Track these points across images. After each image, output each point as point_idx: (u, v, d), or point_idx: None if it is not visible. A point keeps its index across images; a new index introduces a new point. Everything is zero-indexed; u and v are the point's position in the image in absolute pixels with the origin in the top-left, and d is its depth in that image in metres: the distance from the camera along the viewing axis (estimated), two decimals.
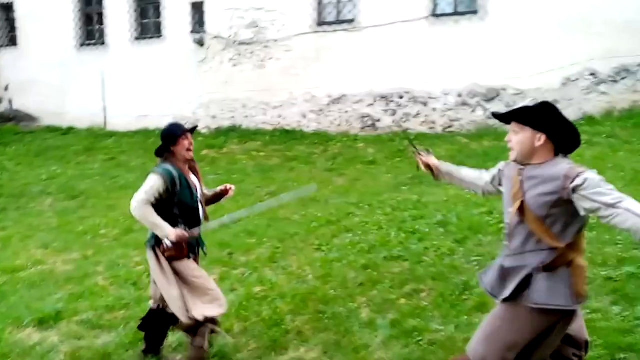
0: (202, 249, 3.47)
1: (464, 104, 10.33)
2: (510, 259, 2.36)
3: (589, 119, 9.58)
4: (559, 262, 2.24)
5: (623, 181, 6.62)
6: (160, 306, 3.34)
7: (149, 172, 3.26)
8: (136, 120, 12.78)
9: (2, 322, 4.12)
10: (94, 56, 13.15)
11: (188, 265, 3.26)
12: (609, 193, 2.15)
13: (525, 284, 2.27)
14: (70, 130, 13.24)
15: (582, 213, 2.21)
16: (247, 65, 11.82)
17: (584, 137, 8.65)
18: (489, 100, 10.16)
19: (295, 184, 8.57)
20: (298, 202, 7.41)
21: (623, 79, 9.67)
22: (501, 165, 2.58)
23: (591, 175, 2.20)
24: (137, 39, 12.77)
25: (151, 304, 3.45)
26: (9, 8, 13.94)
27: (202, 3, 11.98)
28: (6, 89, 14.18)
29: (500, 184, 2.56)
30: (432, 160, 2.93)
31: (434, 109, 10.55)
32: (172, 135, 3.28)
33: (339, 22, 11.05)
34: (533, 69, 9.65)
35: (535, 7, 9.55)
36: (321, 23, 11.16)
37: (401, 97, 10.76)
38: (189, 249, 3.27)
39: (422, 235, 5.25)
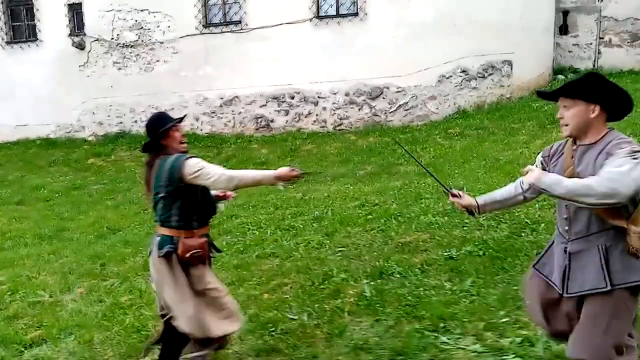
0: (215, 248, 3.18)
1: (352, 102, 10.73)
2: (574, 244, 2.30)
3: (462, 113, 10.37)
4: (634, 238, 2.18)
5: (484, 168, 7.28)
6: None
7: (172, 160, 2.81)
8: (15, 131, 11.95)
9: None
10: None
11: (204, 272, 2.94)
12: (610, 164, 2.12)
13: (605, 265, 2.22)
14: None
15: None
16: (133, 68, 11.45)
17: (456, 130, 9.36)
18: (374, 98, 10.64)
19: None
20: None
21: (490, 75, 10.56)
22: (544, 152, 2.49)
23: (628, 148, 2.14)
24: (9, 43, 11.89)
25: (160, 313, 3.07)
26: None
27: (80, 4, 11.41)
28: None
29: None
30: (469, 201, 2.68)
31: (324, 108, 10.85)
32: (161, 127, 2.87)
33: (226, 23, 11.02)
34: (411, 68, 10.24)
35: (409, 9, 10.13)
36: (208, 24, 11.07)
37: (292, 97, 10.96)
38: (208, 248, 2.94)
39: (297, 232, 5.43)
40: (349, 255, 4.71)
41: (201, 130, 11.31)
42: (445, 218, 5.36)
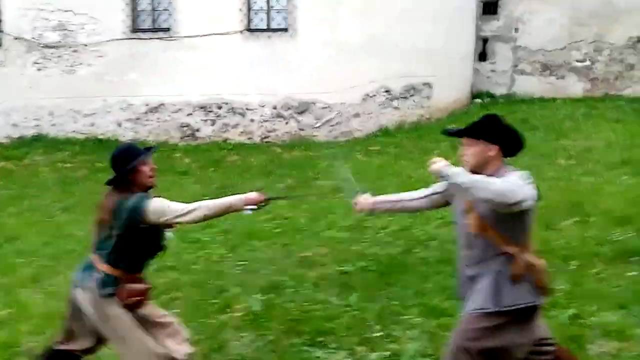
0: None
1: (279, 115, 10.84)
2: (472, 269, 2.52)
3: (385, 131, 10.73)
4: (518, 265, 2.40)
5: (396, 185, 7.56)
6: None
7: (134, 202, 2.69)
8: None
9: None
10: None
11: (151, 306, 2.91)
12: (518, 180, 2.34)
13: (494, 289, 2.41)
14: None
15: None
16: (54, 70, 11.02)
17: (376, 148, 9.66)
18: (301, 112, 10.80)
19: (96, 196, 8.20)
20: (86, 217, 7.12)
21: (412, 95, 11.01)
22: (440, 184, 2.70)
23: (519, 173, 2.42)
24: None
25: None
26: None
27: None
28: None
29: (449, 195, 2.69)
30: (369, 203, 2.91)
31: (252, 120, 10.89)
32: (128, 161, 2.73)
33: (155, 29, 10.87)
34: (338, 85, 10.49)
35: (338, 29, 10.42)
36: (135, 30, 10.87)
37: (220, 108, 10.93)
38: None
39: (201, 245, 5.43)
40: (248, 269, 4.76)
41: (124, 136, 11.02)
42: (348, 233, 5.54)
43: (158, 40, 10.81)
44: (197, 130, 10.97)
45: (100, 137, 11.04)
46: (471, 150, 2.52)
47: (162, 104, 10.98)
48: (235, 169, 9.43)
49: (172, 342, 2.83)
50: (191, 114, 10.96)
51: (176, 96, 10.88)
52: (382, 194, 7.02)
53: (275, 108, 10.82)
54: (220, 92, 10.81)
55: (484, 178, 2.35)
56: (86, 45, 10.93)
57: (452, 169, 2.37)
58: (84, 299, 2.80)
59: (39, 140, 11.04)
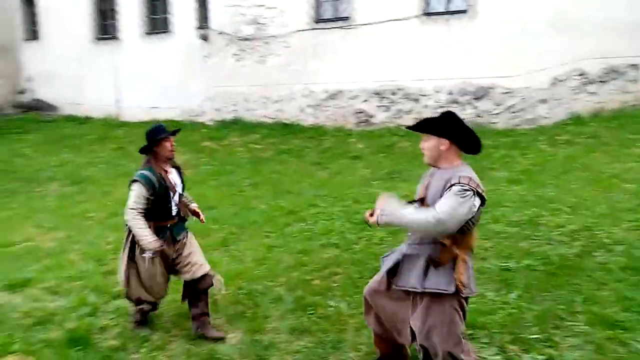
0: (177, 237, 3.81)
1: (455, 101, 10.52)
2: (410, 248, 2.76)
3: (577, 119, 9.65)
4: (445, 256, 2.63)
5: (582, 181, 6.82)
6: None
7: (130, 179, 3.65)
8: (146, 112, 13.47)
9: None
10: (108, 50, 13.93)
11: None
12: (444, 201, 2.54)
13: (423, 272, 2.67)
14: (87, 120, 14.08)
15: None
16: (248, 61, 12.31)
17: (565, 137, 8.83)
18: (479, 98, 10.32)
19: (280, 176, 9.04)
20: (273, 192, 7.90)
21: (613, 79, 9.67)
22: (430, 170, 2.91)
23: (459, 187, 2.56)
24: (147, 34, 13.45)
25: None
26: (30, 3, 14.87)
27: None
28: (29, 79, 15.15)
29: None
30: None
31: (426, 106, 10.77)
32: (156, 137, 3.62)
33: (335, 19, 11.39)
34: (522, 68, 9.74)
35: (524, 6, 9.63)
36: (318, 20, 11.52)
37: (394, 94, 11.03)
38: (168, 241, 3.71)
39: (364, 227, 5.60)
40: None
41: (305, 121, 11.85)
42: (517, 229, 5.21)
43: (338, 29, 11.30)
44: (372, 116, 11.24)
45: (285, 121, 12.03)
46: (426, 145, 2.71)
47: (340, 91, 11.50)
48: (405, 155, 9.46)
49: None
50: (366, 100, 11.27)
51: (353, 83, 11.30)
52: (566, 189, 6.48)
53: (450, 93, 10.51)
54: (395, 78, 10.89)
55: (417, 221, 2.53)
56: (275, 37, 11.96)
57: (386, 217, 2.60)
58: None
59: (236, 124, 12.48)
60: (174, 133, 3.70)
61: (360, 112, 11.34)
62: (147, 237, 3.48)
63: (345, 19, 11.20)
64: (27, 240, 6.18)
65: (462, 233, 2.59)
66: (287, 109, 12.09)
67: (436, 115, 2.76)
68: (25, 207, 7.90)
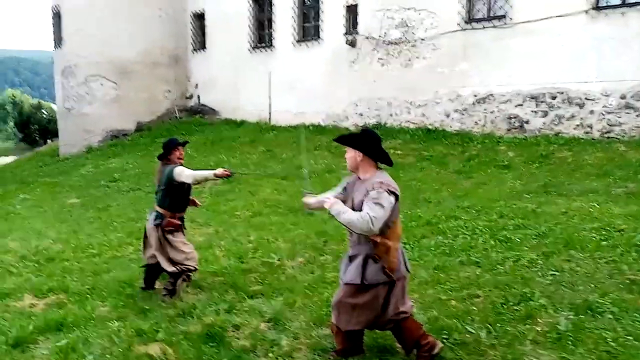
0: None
1: (628, 106, 9.18)
2: (351, 249, 3.26)
3: None
4: (380, 249, 3.09)
5: None
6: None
7: (169, 168, 4.56)
8: (295, 116, 14.05)
9: (138, 273, 5.22)
10: (263, 58, 14.81)
11: (178, 236, 4.73)
12: (371, 203, 2.98)
13: (362, 267, 3.13)
14: (242, 123, 15.14)
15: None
16: (394, 65, 12.14)
17: None
18: None
19: (419, 183, 8.71)
20: (412, 201, 7.61)
21: None
22: (348, 180, 3.34)
23: (378, 190, 3.00)
24: (298, 41, 14.01)
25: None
26: (201, 17, 16.45)
27: (356, 5, 12.64)
28: (196, 86, 16.80)
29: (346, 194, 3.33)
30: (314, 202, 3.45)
31: (592, 112, 9.58)
32: (169, 147, 4.66)
33: (489, 18, 10.68)
34: None
35: None
36: (470, 20, 10.92)
37: (554, 98, 10.00)
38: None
39: (511, 245, 5.09)
40: (560, 281, 4.21)
41: (450, 127, 11.32)
42: None
43: (492, 28, 10.58)
44: (526, 122, 10.32)
45: (429, 127, 11.62)
46: (348, 155, 3.24)
47: (491, 94, 10.76)
48: (564, 166, 8.48)
49: (181, 256, 4.61)
50: (521, 105, 10.38)
51: (505, 86, 10.49)
52: None
53: (623, 97, 9.20)
54: (555, 80, 9.86)
55: (351, 219, 3.02)
56: (423, 40, 11.61)
57: (335, 209, 3.11)
58: (147, 227, 4.78)
59: (378, 128, 12.34)
60: (183, 144, 4.78)
61: (513, 118, 10.48)
62: (211, 170, 4.44)
63: (501, 17, 10.44)
64: None
65: (387, 227, 3.07)
66: (431, 113, 11.67)
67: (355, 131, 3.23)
68: None
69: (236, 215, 7.74)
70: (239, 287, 4.67)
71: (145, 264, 4.87)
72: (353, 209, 3.10)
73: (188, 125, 15.55)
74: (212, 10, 16.06)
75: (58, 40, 16.73)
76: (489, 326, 3.58)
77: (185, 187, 4.62)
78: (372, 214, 2.92)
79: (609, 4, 9.27)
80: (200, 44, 16.66)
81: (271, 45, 14.68)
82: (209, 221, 7.46)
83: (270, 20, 14.66)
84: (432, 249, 5.26)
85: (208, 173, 4.46)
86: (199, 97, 16.73)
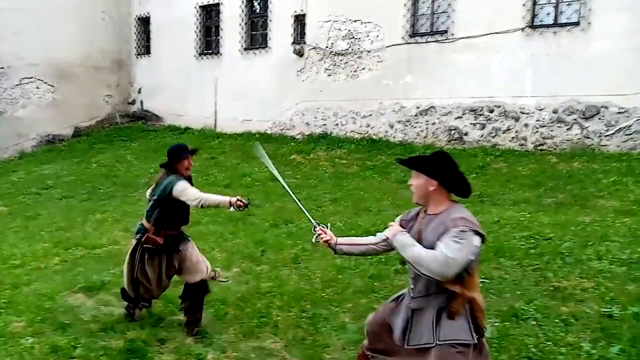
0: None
1: (560, 120, 9.63)
2: (417, 301, 2.60)
3: None
4: (459, 302, 2.48)
5: None
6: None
7: (170, 179, 3.84)
8: (241, 124, 13.89)
9: (61, 286, 4.98)
10: (210, 64, 14.59)
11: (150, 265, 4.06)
12: (446, 243, 2.40)
13: (435, 323, 2.51)
14: (186, 130, 14.80)
15: None
16: (340, 75, 12.24)
17: None
18: (588, 118, 9.36)
19: (362, 192, 8.77)
20: (353, 209, 7.65)
21: None
22: (404, 216, 2.78)
23: (462, 228, 2.41)
24: (246, 49, 13.90)
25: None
26: (146, 21, 16.04)
27: (304, 15, 12.69)
28: (139, 91, 16.32)
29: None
30: (330, 238, 2.93)
31: (526, 125, 9.98)
32: (177, 155, 3.91)
33: (432, 33, 10.97)
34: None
35: None
36: (414, 34, 11.18)
37: (491, 111, 10.36)
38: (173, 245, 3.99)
39: None
40: (489, 288, 4.30)
41: (394, 137, 11.50)
42: (625, 268, 4.48)
43: (434, 43, 10.87)
44: (465, 133, 10.63)
45: (374, 137, 11.76)
46: (415, 182, 2.62)
47: (433, 107, 11.02)
48: (499, 177, 8.77)
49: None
50: (460, 117, 10.69)
51: (447, 99, 10.78)
52: None
53: (555, 112, 9.64)
54: (493, 94, 10.22)
55: (421, 257, 2.41)
56: (369, 52, 11.77)
57: (400, 239, 2.53)
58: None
59: (324, 138, 12.42)
60: (193, 152, 4.02)
61: (453, 130, 10.77)
62: (220, 197, 3.74)
63: (443, 32, 10.75)
64: (112, 244, 6.46)
65: (468, 274, 2.48)
66: (376, 124, 11.82)
67: (426, 154, 2.70)
68: (119, 211, 8.35)
69: None
70: (168, 299, 4.49)
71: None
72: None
73: (130, 131, 15.06)
74: (157, 15, 15.69)
75: None
76: None
77: (180, 206, 3.89)
78: (450, 254, 2.35)
79: (542, 23, 9.73)
80: (145, 48, 16.22)
81: (218, 52, 14.49)
82: None
83: (217, 27, 14.47)
84: (370, 257, 5.26)
85: (222, 199, 3.68)
86: (142, 102, 16.25)
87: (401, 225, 2.67)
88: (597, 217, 6.14)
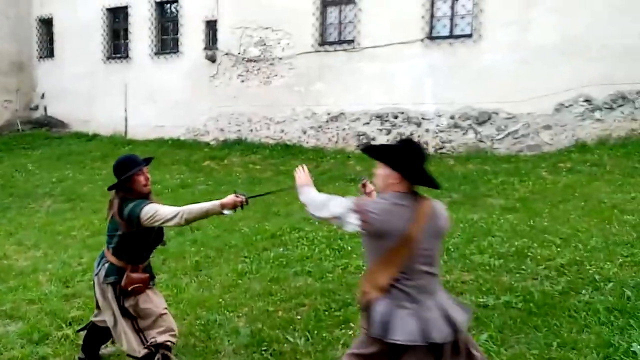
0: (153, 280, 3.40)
1: (456, 126, 10.32)
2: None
3: (581, 146, 9.34)
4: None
5: (580, 210, 6.51)
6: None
7: (131, 208, 3.05)
8: (153, 130, 13.55)
9: None
10: (119, 69, 14.11)
11: (143, 298, 3.22)
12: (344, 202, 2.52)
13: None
14: (94, 137, 14.20)
15: None
16: (253, 82, 12.32)
17: (568, 165, 8.52)
18: (481, 123, 10.10)
19: (272, 197, 8.88)
20: (262, 214, 7.75)
21: (620, 106, 9.36)
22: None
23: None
24: (157, 54, 13.60)
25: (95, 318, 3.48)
26: (49, 22, 15.21)
27: (215, 21, 12.63)
28: (42, 96, 15.43)
29: None
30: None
31: (427, 130, 10.59)
32: (126, 171, 3.11)
33: (340, 42, 11.34)
34: (526, 94, 9.53)
35: (531, 31, 9.47)
36: (323, 43, 11.49)
37: (396, 117, 10.88)
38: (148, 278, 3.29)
39: (343, 253, 5.42)
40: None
41: (307, 142, 11.75)
42: (501, 261, 4.94)
43: (342, 51, 11.25)
44: (373, 139, 11.08)
45: (288, 143, 11.95)
46: (378, 172, 2.45)
47: (342, 113, 11.39)
48: None
49: (153, 332, 3.14)
50: (368, 123, 11.14)
51: (355, 105, 11.19)
52: (562, 219, 6.15)
53: (452, 118, 10.32)
54: (397, 101, 10.75)
55: (309, 194, 2.63)
56: (281, 59, 11.95)
57: (303, 188, 2.70)
58: (95, 284, 3.30)
59: (239, 144, 12.43)
60: (148, 162, 3.22)
61: (361, 135, 11.19)
62: (211, 203, 3.03)
63: (350, 42, 11.15)
64: (2, 258, 6.11)
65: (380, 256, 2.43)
66: (289, 130, 12.01)
67: (391, 143, 2.58)
68: (14, 223, 7.89)
69: (72, 236, 7.19)
70: (57, 314, 4.34)
71: (89, 323, 3.53)
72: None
73: (32, 138, 14.21)
74: (61, 17, 14.93)
75: None
76: (308, 334, 3.76)
77: (155, 229, 3.17)
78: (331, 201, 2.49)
79: (440, 34, 10.39)
80: (48, 51, 15.37)
81: (127, 56, 14.04)
82: (38, 243, 6.84)
83: (126, 31, 14.03)
84: (271, 260, 5.40)
85: (209, 206, 2.98)
86: (45, 108, 15.37)
87: None
88: (484, 214, 6.66)
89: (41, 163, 12.08)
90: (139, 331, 3.17)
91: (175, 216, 2.96)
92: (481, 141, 10.07)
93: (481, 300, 4.20)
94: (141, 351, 3.11)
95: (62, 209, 8.71)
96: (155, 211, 3.00)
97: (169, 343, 3.14)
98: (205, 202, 3.06)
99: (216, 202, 2.99)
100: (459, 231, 5.94)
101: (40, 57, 15.46)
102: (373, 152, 2.52)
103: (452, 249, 5.30)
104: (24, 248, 6.56)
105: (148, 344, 3.11)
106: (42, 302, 4.63)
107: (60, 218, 8.09)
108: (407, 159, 2.39)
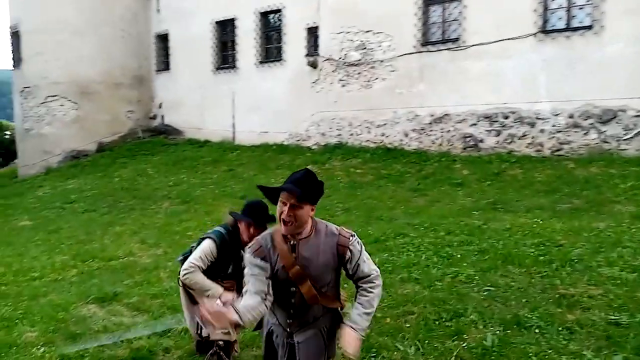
0: None
1: (576, 125, 9.50)
2: (300, 334, 2.51)
3: None
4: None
5: None
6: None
7: (203, 236, 3.32)
8: (258, 136, 14.07)
9: (75, 297, 5.14)
10: (227, 78, 14.85)
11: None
12: (368, 259, 2.60)
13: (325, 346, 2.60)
14: (206, 143, 15.07)
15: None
16: (354, 86, 12.31)
17: None
18: (605, 122, 9.21)
19: (375, 201, 8.78)
20: (365, 218, 7.66)
21: None
22: (258, 253, 2.35)
23: (355, 238, 2.51)
24: (261, 62, 14.11)
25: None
26: (165, 38, 16.44)
27: (316, 28, 12.83)
28: (160, 106, 16.70)
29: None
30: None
31: (542, 131, 9.86)
32: (251, 216, 3.21)
33: (444, 41, 10.97)
34: None
35: None
36: (426, 43, 11.19)
37: (506, 117, 10.27)
38: None
39: (452, 261, 5.15)
40: (494, 296, 4.27)
41: (409, 145, 11.49)
42: (635, 274, 4.39)
43: (446, 51, 10.86)
44: (481, 140, 10.56)
45: (389, 146, 11.77)
46: (299, 212, 2.29)
47: (447, 114, 10.98)
48: (514, 183, 8.68)
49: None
50: (475, 124, 10.63)
51: (461, 106, 10.74)
52: None
53: (571, 117, 9.51)
54: (507, 100, 10.14)
55: (376, 298, 2.55)
56: (382, 61, 11.82)
57: (362, 329, 2.48)
58: None
59: (339, 148, 12.49)
60: (264, 223, 3.18)
61: (468, 137, 10.71)
62: (213, 286, 3.19)
63: (455, 40, 10.74)
64: (128, 255, 6.61)
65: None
66: (390, 133, 11.83)
67: (304, 179, 2.34)
68: (137, 224, 8.54)
69: (188, 236, 7.63)
70: (176, 309, 4.57)
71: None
72: (309, 275, 2.33)
73: (151, 145, 15.41)
74: (175, 32, 16.08)
75: (17, 61, 16.44)
76: (418, 343, 3.60)
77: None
78: (376, 269, 2.56)
79: (555, 27, 9.64)
80: (164, 64, 16.62)
81: (235, 66, 14.74)
82: (159, 242, 7.34)
83: (233, 42, 14.74)
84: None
85: (208, 288, 3.18)
86: (163, 117, 16.62)
87: (263, 259, 2.33)
88: (612, 222, 6.02)
89: (159, 168, 13.03)
90: None
91: (187, 273, 3.16)
92: (605, 142, 9.16)
93: (612, 317, 3.75)
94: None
95: (178, 210, 9.29)
96: (199, 252, 3.20)
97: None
98: (210, 283, 3.18)
99: (219, 292, 3.16)
100: (583, 240, 5.41)
101: (158, 70, 16.75)
102: (306, 195, 2.30)
103: (575, 260, 4.83)
104: (147, 246, 7.06)
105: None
106: (164, 297, 4.92)
107: (177, 219, 8.62)
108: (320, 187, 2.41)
